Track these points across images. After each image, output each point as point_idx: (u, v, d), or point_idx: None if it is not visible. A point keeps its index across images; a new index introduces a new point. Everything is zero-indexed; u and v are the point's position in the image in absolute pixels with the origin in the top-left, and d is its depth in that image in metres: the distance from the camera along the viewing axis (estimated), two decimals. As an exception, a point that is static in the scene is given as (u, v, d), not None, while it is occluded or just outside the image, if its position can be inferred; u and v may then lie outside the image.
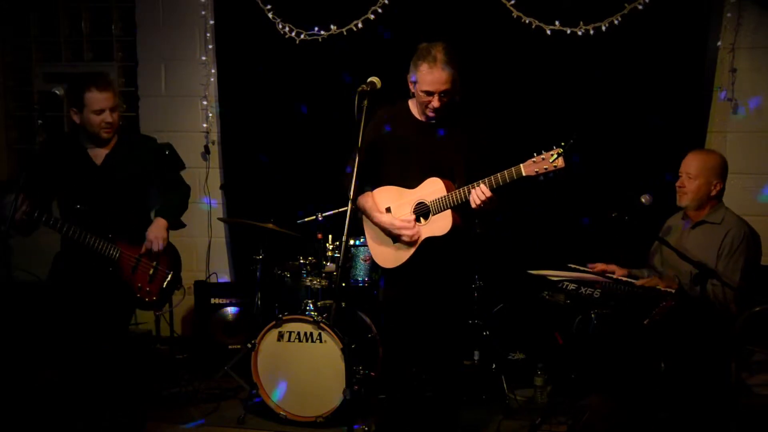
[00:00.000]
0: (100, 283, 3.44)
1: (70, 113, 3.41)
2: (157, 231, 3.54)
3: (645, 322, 3.10)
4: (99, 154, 3.47)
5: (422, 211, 3.22)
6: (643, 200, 3.33)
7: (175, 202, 3.68)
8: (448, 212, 3.15)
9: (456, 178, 3.19)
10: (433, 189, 3.19)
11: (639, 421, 3.18)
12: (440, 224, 3.17)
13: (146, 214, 3.64)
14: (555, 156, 2.86)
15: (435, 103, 3.12)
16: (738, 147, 4.49)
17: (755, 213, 4.11)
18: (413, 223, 3.21)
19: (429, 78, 3.07)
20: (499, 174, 2.99)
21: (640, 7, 4.35)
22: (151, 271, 3.55)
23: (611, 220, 3.29)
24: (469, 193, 3.04)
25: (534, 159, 2.92)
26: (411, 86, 3.20)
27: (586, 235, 4.43)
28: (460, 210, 3.15)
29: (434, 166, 3.21)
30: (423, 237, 3.21)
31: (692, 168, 3.35)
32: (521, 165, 2.95)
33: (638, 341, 3.23)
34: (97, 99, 3.33)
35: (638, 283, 3.22)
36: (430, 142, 3.23)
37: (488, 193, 2.99)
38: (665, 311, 3.08)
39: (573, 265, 3.36)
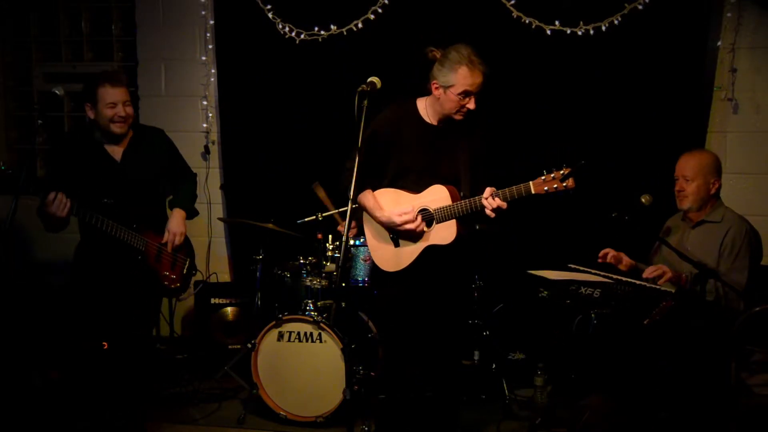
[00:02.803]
0: (129, 273, 3.55)
1: (85, 108, 3.49)
2: (177, 225, 3.73)
3: (645, 322, 3.10)
4: (117, 150, 3.57)
5: (425, 219, 3.18)
6: (643, 200, 3.32)
7: (189, 192, 3.90)
8: (453, 222, 3.13)
9: (461, 185, 3.16)
10: (437, 196, 3.15)
11: (639, 421, 3.18)
12: (444, 233, 3.15)
13: (161, 202, 3.81)
14: (565, 176, 2.87)
15: (471, 104, 3.10)
16: (738, 147, 4.50)
17: (755, 213, 4.10)
18: (413, 214, 3.16)
19: (470, 80, 3.06)
20: (508, 189, 3.00)
21: (640, 7, 4.35)
22: (172, 259, 3.73)
23: (611, 220, 3.29)
24: (481, 205, 3.02)
25: (543, 177, 2.92)
26: (439, 91, 3.12)
27: (586, 235, 4.42)
28: (463, 218, 3.14)
29: (438, 171, 3.18)
30: (426, 245, 3.19)
31: (688, 170, 3.34)
32: (530, 183, 2.96)
33: (638, 341, 3.22)
34: (110, 93, 3.45)
35: (645, 274, 3.21)
36: (436, 146, 3.19)
37: (504, 206, 3.01)
38: (665, 311, 3.08)
39: (573, 265, 3.35)
